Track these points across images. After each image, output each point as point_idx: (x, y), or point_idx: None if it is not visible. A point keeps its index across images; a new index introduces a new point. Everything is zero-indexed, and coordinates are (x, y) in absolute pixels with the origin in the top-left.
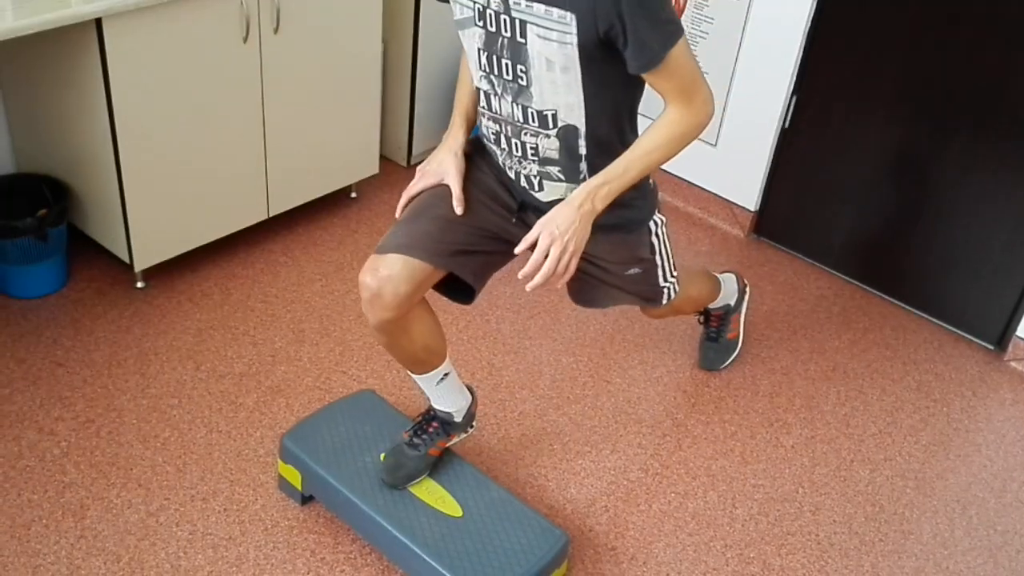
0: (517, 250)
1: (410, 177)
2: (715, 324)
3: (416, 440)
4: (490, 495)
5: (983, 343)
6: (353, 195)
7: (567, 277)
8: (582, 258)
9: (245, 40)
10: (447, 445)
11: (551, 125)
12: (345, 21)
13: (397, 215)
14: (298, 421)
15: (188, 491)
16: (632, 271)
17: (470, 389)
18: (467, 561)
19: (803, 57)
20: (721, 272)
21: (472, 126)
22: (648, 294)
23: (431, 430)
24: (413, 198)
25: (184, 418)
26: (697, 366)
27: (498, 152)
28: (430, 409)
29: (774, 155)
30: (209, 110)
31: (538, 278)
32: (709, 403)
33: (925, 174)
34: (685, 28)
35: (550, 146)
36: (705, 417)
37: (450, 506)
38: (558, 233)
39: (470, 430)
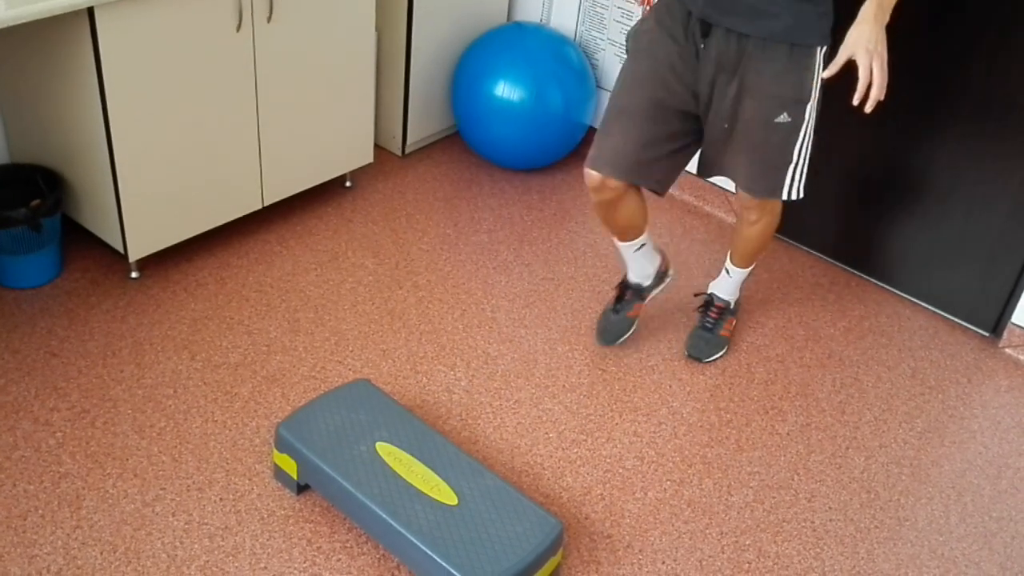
0: (826, 74)
1: (404, 167)
2: (714, 315)
3: (617, 307)
4: (485, 483)
5: (978, 330)
6: (348, 184)
7: (883, 88)
8: (738, 99)
9: (238, 29)
10: (644, 303)
11: None
12: (338, 10)
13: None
14: (293, 410)
15: (184, 481)
16: (781, 118)
17: (662, 253)
18: (462, 549)
19: None
20: None
21: None
22: (776, 166)
23: (627, 298)
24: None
25: (179, 408)
26: (686, 354)
27: None
28: (624, 279)
29: None
30: (202, 99)
31: (875, 91)
32: (704, 391)
33: (920, 161)
34: None
35: None
36: (700, 405)
37: (445, 494)
38: (872, 46)
39: (667, 280)
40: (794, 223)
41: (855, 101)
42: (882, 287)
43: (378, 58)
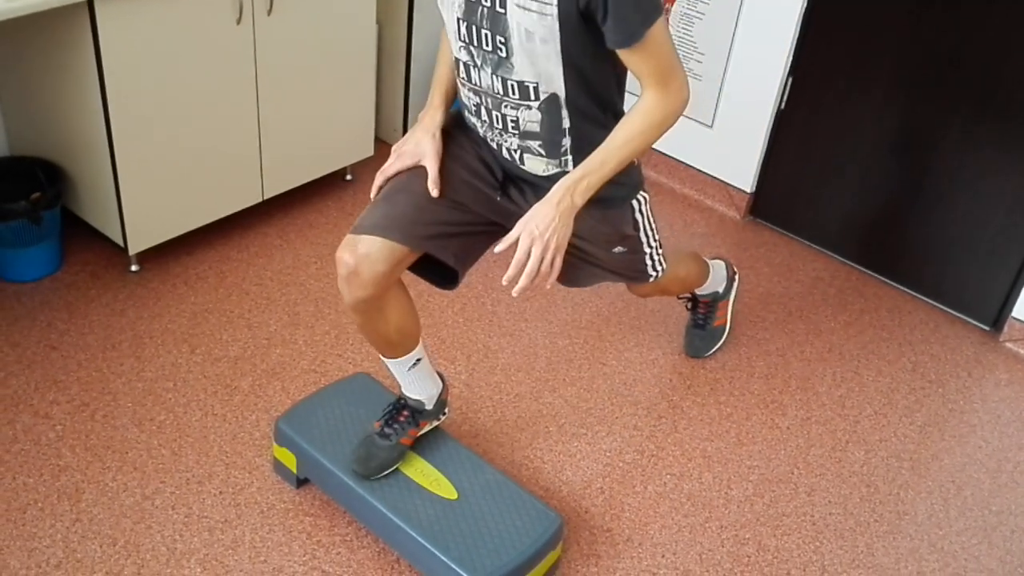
0: (497, 249)
1: None
2: (703, 311)
3: (387, 430)
4: (485, 477)
5: (979, 324)
6: (348, 177)
7: (553, 276)
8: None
9: (239, 22)
10: (418, 434)
11: (533, 97)
12: (339, 2)
13: (372, 196)
14: (293, 404)
15: (183, 474)
16: (617, 249)
17: (441, 376)
18: (462, 543)
19: (799, 37)
20: (711, 258)
21: (451, 103)
22: (633, 273)
23: (401, 419)
24: (389, 179)
25: (179, 401)
26: (683, 352)
27: (479, 124)
28: (400, 398)
29: (770, 136)
30: (203, 92)
31: (523, 280)
32: (704, 385)
33: (921, 155)
34: (682, 8)
35: (531, 118)
36: (700, 399)
37: (445, 488)
38: (538, 233)
39: (442, 417)
40: (795, 218)
41: (504, 281)
42: (883, 281)
43: (379, 51)
